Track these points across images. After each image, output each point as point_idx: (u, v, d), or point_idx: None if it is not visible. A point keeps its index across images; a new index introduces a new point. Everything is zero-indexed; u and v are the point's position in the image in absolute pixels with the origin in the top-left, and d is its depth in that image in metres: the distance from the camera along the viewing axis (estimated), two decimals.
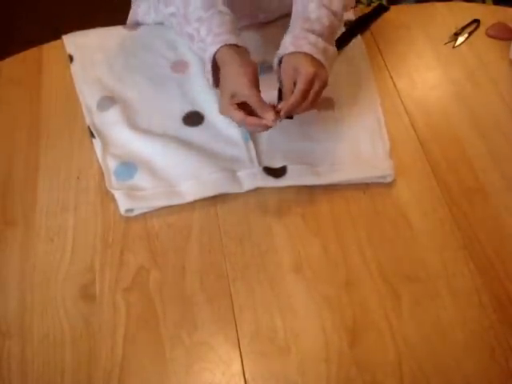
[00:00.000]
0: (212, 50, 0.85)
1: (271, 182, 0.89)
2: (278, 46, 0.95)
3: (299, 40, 0.85)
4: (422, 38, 1.14)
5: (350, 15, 1.15)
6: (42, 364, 0.74)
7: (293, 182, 0.89)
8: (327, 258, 0.83)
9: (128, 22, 1.18)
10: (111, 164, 0.92)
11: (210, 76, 0.90)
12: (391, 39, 1.11)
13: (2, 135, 0.98)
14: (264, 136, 0.95)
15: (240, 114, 0.82)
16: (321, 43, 0.86)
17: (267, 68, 1.05)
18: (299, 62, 0.84)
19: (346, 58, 1.07)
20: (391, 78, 1.06)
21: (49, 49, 1.11)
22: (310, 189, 0.90)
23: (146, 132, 0.96)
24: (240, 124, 0.87)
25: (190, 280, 0.81)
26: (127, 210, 0.87)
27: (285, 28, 1.05)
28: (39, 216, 0.88)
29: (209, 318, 0.78)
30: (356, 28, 1.13)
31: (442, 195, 0.89)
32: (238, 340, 0.76)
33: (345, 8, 0.94)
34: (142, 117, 0.99)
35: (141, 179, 0.90)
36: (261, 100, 0.82)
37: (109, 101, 1.00)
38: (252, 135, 0.95)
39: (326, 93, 1.01)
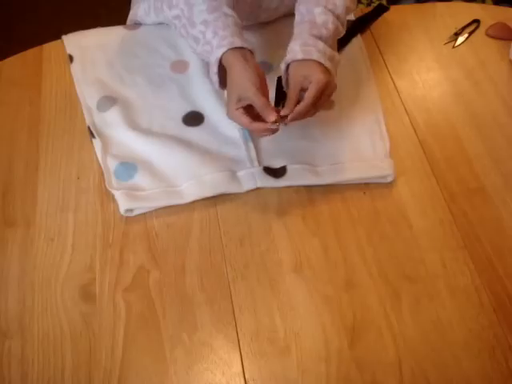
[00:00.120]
0: (218, 52, 0.85)
1: (271, 182, 0.89)
2: (279, 46, 0.95)
3: (308, 47, 0.85)
4: (422, 38, 1.14)
5: (350, 15, 1.15)
6: (42, 363, 0.75)
7: (293, 182, 0.89)
8: (327, 257, 0.83)
9: (128, 22, 1.18)
10: (111, 164, 0.92)
11: (216, 78, 0.90)
12: (391, 39, 1.11)
13: (1, 135, 0.98)
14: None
15: (246, 120, 0.83)
16: (328, 50, 0.87)
17: (267, 68, 1.06)
18: (310, 70, 0.84)
19: (346, 58, 1.07)
20: (391, 78, 1.06)
21: (49, 49, 1.11)
22: (310, 189, 0.90)
23: (146, 132, 0.96)
24: (246, 129, 0.87)
25: (190, 280, 0.81)
26: (127, 210, 0.87)
27: (285, 28, 1.05)
28: (39, 216, 0.88)
29: (209, 318, 0.78)
30: (356, 28, 1.13)
31: (442, 195, 0.89)
32: (238, 340, 0.76)
33: (347, 11, 0.94)
34: (142, 117, 0.99)
35: (141, 179, 0.90)
36: (265, 103, 0.82)
37: (109, 101, 1.00)
38: (253, 135, 0.95)
39: None
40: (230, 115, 0.85)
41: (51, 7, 2.23)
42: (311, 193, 0.90)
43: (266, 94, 0.84)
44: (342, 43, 1.08)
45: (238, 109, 0.83)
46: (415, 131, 0.98)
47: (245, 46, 0.86)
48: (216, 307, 0.79)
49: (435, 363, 0.74)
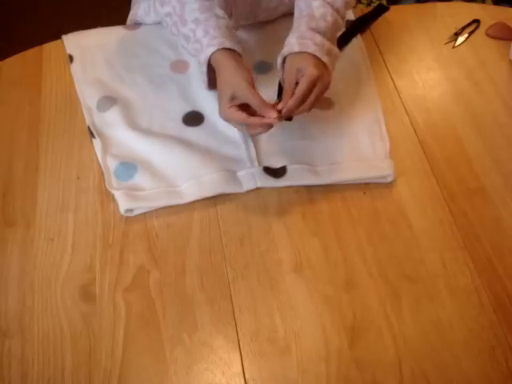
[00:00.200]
0: (208, 52, 0.85)
1: (271, 183, 0.89)
2: (277, 46, 0.95)
3: (305, 40, 0.85)
4: (422, 38, 1.14)
5: (350, 15, 1.15)
6: (42, 363, 0.75)
7: (292, 182, 0.89)
8: (327, 257, 0.83)
9: (128, 22, 1.18)
10: (111, 164, 0.92)
11: (204, 77, 0.90)
12: (391, 39, 1.11)
13: (2, 135, 0.98)
14: (264, 136, 0.95)
15: (242, 115, 0.82)
16: (326, 44, 0.86)
17: (266, 67, 1.06)
18: (304, 63, 0.83)
19: (346, 57, 1.07)
20: (391, 78, 1.06)
21: (49, 49, 1.11)
22: (310, 189, 0.90)
23: (146, 132, 0.96)
24: (241, 126, 0.86)
25: (190, 280, 0.81)
26: (127, 210, 0.87)
27: (285, 28, 1.05)
28: (39, 216, 0.88)
29: (209, 318, 0.78)
30: (356, 28, 1.13)
31: (442, 195, 0.89)
32: (238, 340, 0.76)
33: (347, 6, 0.94)
34: (141, 117, 0.99)
35: (141, 179, 0.90)
36: (262, 99, 0.82)
37: (109, 101, 1.00)
38: (250, 136, 0.95)
39: (326, 93, 1.01)
40: (222, 114, 0.84)
41: (51, 7, 2.23)
42: (311, 192, 0.90)
43: None
44: (342, 43, 1.08)
45: (231, 107, 0.82)
46: (415, 131, 0.98)
47: (235, 48, 0.85)
48: (216, 307, 0.79)
49: (435, 363, 0.74)
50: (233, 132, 0.95)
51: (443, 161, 0.94)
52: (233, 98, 0.82)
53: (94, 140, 0.95)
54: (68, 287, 0.81)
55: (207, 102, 0.99)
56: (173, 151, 0.93)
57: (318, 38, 0.85)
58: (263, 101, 0.82)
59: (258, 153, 0.94)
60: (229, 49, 0.85)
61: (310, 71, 0.82)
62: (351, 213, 0.88)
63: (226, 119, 0.85)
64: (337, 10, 0.91)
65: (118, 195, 0.87)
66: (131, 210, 0.87)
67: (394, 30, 1.07)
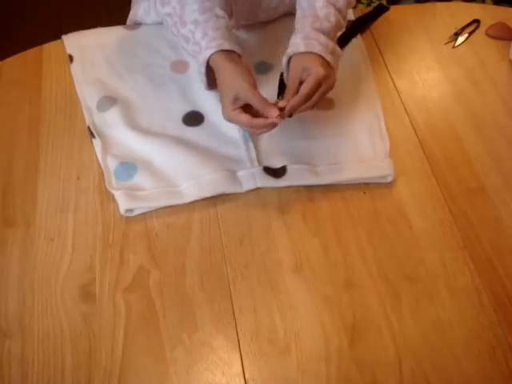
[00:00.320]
0: (206, 54, 0.85)
1: (271, 182, 0.89)
2: (277, 46, 0.95)
3: (310, 40, 0.85)
4: (422, 37, 1.14)
5: (350, 15, 1.15)
6: (42, 363, 0.75)
7: (292, 182, 0.89)
8: (327, 257, 0.83)
9: (128, 22, 1.18)
10: (111, 164, 0.92)
11: (203, 78, 0.91)
12: (391, 39, 1.11)
13: (2, 135, 0.98)
14: (264, 136, 0.95)
15: (246, 117, 0.82)
16: (330, 44, 0.87)
17: (266, 68, 1.06)
18: (310, 63, 0.84)
19: (346, 57, 1.07)
20: (391, 78, 1.06)
21: (49, 49, 1.11)
22: (310, 189, 0.90)
23: (146, 132, 0.96)
24: (246, 127, 0.86)
25: (190, 280, 0.81)
26: (127, 210, 0.87)
27: (285, 28, 1.05)
28: (39, 216, 0.88)
29: (209, 318, 0.78)
30: (356, 28, 1.13)
31: (442, 195, 0.89)
32: (238, 340, 0.76)
33: (348, 6, 0.94)
34: (142, 117, 0.99)
35: (141, 179, 0.90)
36: (264, 99, 0.82)
37: (109, 101, 1.00)
38: (252, 135, 0.95)
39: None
40: (226, 116, 0.85)
41: (51, 7, 2.23)
42: (311, 192, 0.90)
43: None
44: (342, 43, 1.08)
45: (235, 109, 0.83)
46: (415, 131, 0.98)
47: (233, 49, 0.86)
48: (216, 307, 0.79)
49: (435, 363, 0.74)
50: (233, 132, 0.95)
51: (443, 161, 0.94)
52: (235, 100, 0.83)
53: (94, 140, 0.95)
54: (68, 287, 0.81)
55: (207, 102, 0.99)
56: (173, 151, 0.93)
57: (323, 38, 0.86)
58: (265, 100, 0.82)
59: (257, 153, 0.94)
60: (228, 50, 0.85)
61: (317, 70, 0.82)
62: (351, 213, 0.88)
63: (231, 121, 0.85)
64: (339, 10, 0.91)
65: (118, 195, 0.87)
66: (131, 210, 0.87)
67: (394, 30, 1.07)
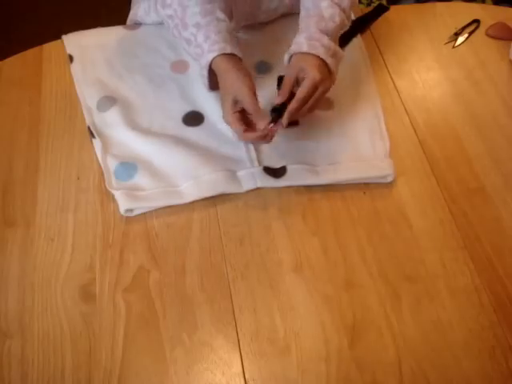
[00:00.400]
0: (209, 57, 0.86)
1: (271, 183, 0.89)
2: (277, 46, 0.96)
3: (313, 41, 0.86)
4: (422, 37, 1.14)
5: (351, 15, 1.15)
6: (42, 363, 0.75)
7: (292, 182, 0.89)
8: (327, 257, 0.83)
9: (128, 22, 1.18)
10: (111, 164, 0.92)
11: (205, 80, 0.92)
12: (391, 39, 1.11)
13: (1, 135, 0.98)
14: None
15: (240, 128, 0.85)
16: (332, 46, 0.88)
17: (266, 68, 1.06)
18: (308, 64, 0.84)
19: (346, 58, 1.06)
20: (391, 78, 1.06)
21: (49, 49, 1.11)
22: (310, 189, 0.90)
23: (146, 132, 0.96)
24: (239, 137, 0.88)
25: (190, 280, 0.81)
26: (127, 210, 0.87)
27: (284, 28, 1.05)
28: (39, 216, 0.88)
29: (209, 318, 0.78)
30: (356, 28, 1.13)
31: (442, 195, 0.89)
32: (238, 340, 0.76)
33: (352, 5, 0.95)
34: (142, 117, 0.99)
35: (141, 179, 0.90)
36: (257, 108, 0.84)
37: (109, 101, 1.00)
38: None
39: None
40: (226, 119, 0.87)
41: (51, 7, 2.23)
42: (311, 192, 0.90)
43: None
44: (342, 43, 1.08)
45: (234, 113, 0.85)
46: (415, 131, 0.98)
47: (235, 52, 0.87)
48: (216, 307, 0.79)
49: (435, 363, 0.74)
50: (233, 132, 0.95)
51: (443, 161, 0.94)
52: (234, 103, 0.84)
53: (94, 140, 0.95)
54: (68, 287, 0.81)
55: (207, 102, 0.99)
56: (173, 151, 0.93)
57: (326, 41, 0.87)
58: (258, 109, 0.84)
59: (257, 153, 0.94)
60: (229, 54, 0.86)
61: (314, 74, 0.83)
62: (351, 213, 0.88)
63: (229, 125, 0.87)
64: (343, 10, 0.92)
65: (118, 195, 0.87)
66: (131, 210, 0.87)
67: (394, 30, 1.07)
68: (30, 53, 1.11)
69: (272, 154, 0.93)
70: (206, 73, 0.90)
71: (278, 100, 0.84)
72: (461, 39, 1.12)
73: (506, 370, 0.73)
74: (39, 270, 0.82)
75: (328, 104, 1.00)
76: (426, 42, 1.13)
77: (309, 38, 0.87)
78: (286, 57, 0.89)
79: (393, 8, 1.18)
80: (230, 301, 0.79)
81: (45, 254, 0.84)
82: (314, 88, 0.84)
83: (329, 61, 0.86)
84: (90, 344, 0.76)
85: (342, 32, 0.93)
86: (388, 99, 1.02)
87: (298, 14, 1.13)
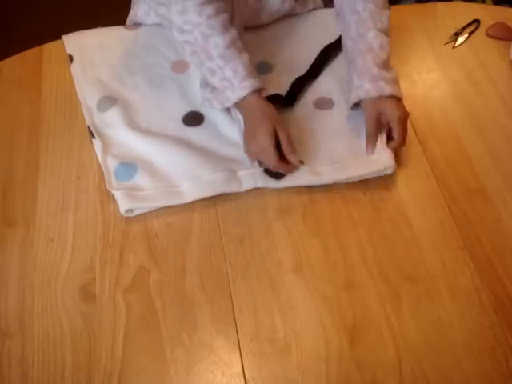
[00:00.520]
0: (240, 94, 0.89)
1: (271, 184, 0.89)
2: (278, 46, 0.96)
3: (379, 81, 0.91)
4: (422, 38, 1.14)
5: None
6: (42, 363, 0.75)
7: (293, 182, 0.89)
8: (327, 257, 0.83)
9: (128, 22, 1.18)
10: (111, 164, 0.92)
11: (222, 107, 0.95)
12: (391, 39, 1.10)
13: (1, 135, 0.98)
14: None
15: (276, 158, 0.87)
16: (391, 75, 0.93)
17: (266, 68, 1.06)
18: (386, 107, 0.90)
19: (345, 57, 1.07)
20: None
21: (49, 49, 1.11)
22: (311, 189, 0.90)
23: (146, 132, 0.96)
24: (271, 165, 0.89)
25: (190, 280, 0.81)
26: (127, 211, 0.87)
27: (285, 28, 1.05)
28: (39, 216, 0.88)
29: (209, 319, 0.78)
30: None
31: (442, 195, 0.89)
32: (238, 340, 0.76)
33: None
34: (142, 117, 0.99)
35: (141, 179, 0.90)
36: (292, 142, 0.89)
37: (109, 101, 1.00)
38: None
39: (325, 93, 1.01)
40: (265, 148, 0.87)
41: (51, 7, 2.23)
42: (311, 193, 0.90)
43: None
44: (341, 44, 1.08)
45: (273, 145, 0.87)
46: (415, 131, 0.98)
47: (262, 87, 0.91)
48: (216, 307, 0.79)
49: (435, 363, 0.74)
50: (233, 133, 0.95)
51: (443, 161, 0.94)
52: (273, 135, 0.87)
53: (94, 140, 0.95)
54: (68, 287, 0.81)
55: None
56: (173, 151, 0.93)
57: (388, 75, 0.92)
58: (292, 142, 0.89)
59: None
60: (259, 89, 0.90)
61: (398, 115, 0.90)
62: (351, 213, 0.88)
63: (263, 155, 0.89)
64: (385, 32, 0.96)
65: (118, 195, 0.87)
66: (131, 211, 0.87)
67: (393, 30, 1.06)
68: (30, 53, 1.11)
69: None
70: (230, 104, 0.92)
71: (368, 153, 0.91)
72: (461, 39, 1.12)
73: (506, 370, 0.73)
74: (39, 270, 0.82)
75: (328, 104, 1.00)
76: (426, 42, 1.13)
77: (372, 80, 0.91)
78: (353, 99, 0.93)
79: (393, 8, 1.17)
80: (230, 301, 0.79)
81: (45, 254, 0.84)
82: (405, 124, 0.90)
83: (397, 93, 0.91)
84: (90, 344, 0.76)
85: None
86: None
87: (299, 14, 1.14)
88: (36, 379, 0.74)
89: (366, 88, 0.91)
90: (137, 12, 1.14)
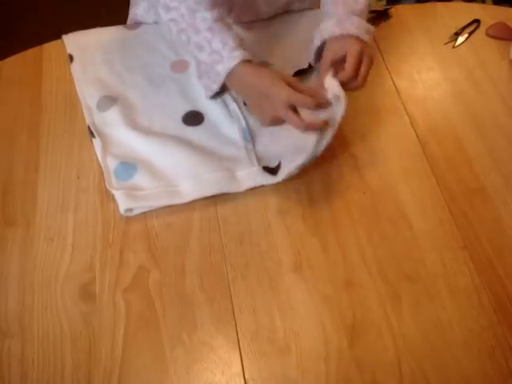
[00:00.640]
0: (230, 64, 0.86)
1: (270, 179, 0.89)
2: (278, 46, 0.95)
3: (344, 23, 0.87)
4: (422, 37, 1.14)
5: None
6: (42, 363, 0.75)
7: (290, 169, 0.87)
8: (327, 257, 0.83)
9: (128, 22, 1.18)
10: (111, 164, 0.92)
11: (215, 86, 0.91)
12: (391, 39, 1.11)
13: (2, 135, 0.98)
14: (263, 136, 0.95)
15: (297, 118, 0.82)
16: (363, 24, 0.89)
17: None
18: (346, 43, 0.86)
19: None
20: (391, 77, 1.06)
21: (49, 48, 1.11)
22: (310, 189, 0.90)
23: (146, 132, 0.96)
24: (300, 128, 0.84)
25: (190, 280, 0.81)
26: (127, 210, 0.87)
27: (285, 27, 1.05)
28: (39, 216, 0.88)
29: (209, 318, 0.78)
30: None
31: (442, 195, 0.89)
32: (238, 340, 0.76)
33: None
34: (142, 116, 0.99)
35: (140, 179, 0.90)
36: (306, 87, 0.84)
37: (109, 100, 1.00)
38: (252, 135, 0.95)
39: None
40: (278, 113, 0.83)
41: (51, 7, 2.23)
42: (311, 192, 0.90)
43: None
44: None
45: (290, 110, 0.82)
46: (415, 131, 0.98)
47: (253, 59, 0.88)
48: (216, 307, 0.79)
49: (435, 363, 0.74)
50: (232, 132, 0.95)
51: (443, 161, 0.94)
52: (288, 102, 0.82)
53: (93, 140, 0.95)
54: (68, 287, 0.81)
55: (207, 102, 0.99)
56: (172, 151, 0.93)
57: (356, 20, 0.88)
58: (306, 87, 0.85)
59: (257, 153, 0.93)
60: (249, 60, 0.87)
61: (355, 48, 0.85)
62: (351, 212, 0.88)
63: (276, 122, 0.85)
64: None
65: (118, 195, 0.87)
66: (131, 210, 0.88)
67: (393, 30, 1.07)
68: (30, 53, 1.11)
69: (271, 155, 0.93)
70: (222, 79, 0.89)
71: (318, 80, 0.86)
72: (461, 39, 1.12)
73: (506, 369, 0.73)
74: (39, 270, 0.82)
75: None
76: (426, 41, 1.13)
77: (338, 21, 0.88)
78: (317, 42, 0.90)
79: (393, 8, 1.18)
80: (230, 301, 0.79)
81: (45, 253, 0.84)
82: (359, 58, 0.86)
83: (365, 37, 0.87)
84: (90, 343, 0.76)
85: (367, 13, 0.94)
86: (388, 99, 1.02)
87: (300, 12, 1.14)
88: (36, 379, 0.74)
89: (329, 28, 0.89)
90: (137, 11, 1.14)
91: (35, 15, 2.22)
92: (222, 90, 0.95)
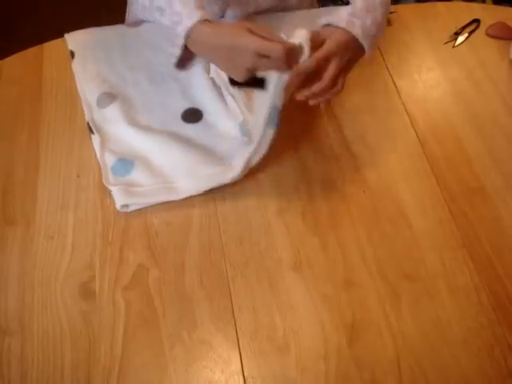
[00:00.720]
0: (188, 23, 0.78)
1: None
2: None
3: (355, 18, 0.80)
4: (422, 37, 1.14)
5: None
6: (42, 361, 0.75)
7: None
8: (326, 256, 0.83)
9: (126, 21, 1.18)
10: (109, 160, 0.92)
11: (178, 50, 0.83)
12: (391, 39, 1.11)
13: (2, 135, 0.98)
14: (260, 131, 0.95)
15: (271, 43, 0.73)
16: (372, 31, 0.81)
17: None
18: (338, 37, 0.79)
19: None
20: (391, 77, 1.06)
21: (49, 48, 1.11)
22: (310, 188, 0.90)
23: (145, 128, 0.96)
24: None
25: (190, 278, 0.81)
26: (123, 206, 0.87)
27: (285, 26, 1.04)
28: (39, 214, 0.88)
29: (208, 317, 0.78)
30: None
31: (442, 195, 0.89)
32: (238, 338, 0.76)
33: None
34: (141, 113, 0.99)
35: (138, 175, 0.90)
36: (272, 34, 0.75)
37: (109, 97, 1.00)
38: (249, 132, 0.95)
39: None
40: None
41: (51, 7, 2.23)
42: (311, 191, 0.90)
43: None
44: None
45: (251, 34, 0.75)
46: (415, 131, 0.98)
47: (214, 20, 0.80)
48: (215, 305, 0.79)
49: (434, 362, 0.74)
50: (231, 129, 0.95)
51: (443, 160, 0.94)
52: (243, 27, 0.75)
53: (92, 136, 0.95)
54: (68, 285, 0.81)
55: (206, 99, 0.99)
56: (171, 148, 0.93)
57: (368, 22, 0.81)
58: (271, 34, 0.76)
59: (255, 151, 0.93)
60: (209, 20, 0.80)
61: (331, 45, 0.78)
62: (351, 212, 0.88)
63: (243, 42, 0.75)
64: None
65: (115, 191, 0.88)
66: (127, 206, 0.88)
67: (393, 30, 1.07)
68: (31, 52, 1.11)
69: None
70: (182, 41, 0.80)
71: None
72: (461, 39, 1.12)
73: (505, 368, 0.73)
74: (39, 268, 0.82)
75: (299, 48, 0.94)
76: (426, 41, 1.13)
77: (352, 14, 0.80)
78: (323, 21, 0.82)
79: (393, 8, 1.18)
80: (230, 299, 0.79)
81: (45, 252, 0.84)
82: (326, 58, 0.77)
83: (363, 42, 0.80)
84: (90, 342, 0.76)
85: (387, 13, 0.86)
86: (388, 99, 1.03)
87: (298, 12, 1.14)
88: (35, 377, 0.74)
89: (342, 16, 0.81)
90: (132, 9, 1.14)
91: (35, 15, 2.22)
92: (191, 58, 0.87)
